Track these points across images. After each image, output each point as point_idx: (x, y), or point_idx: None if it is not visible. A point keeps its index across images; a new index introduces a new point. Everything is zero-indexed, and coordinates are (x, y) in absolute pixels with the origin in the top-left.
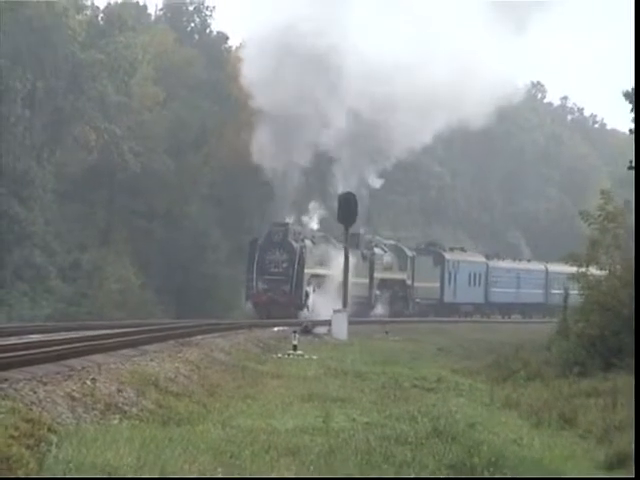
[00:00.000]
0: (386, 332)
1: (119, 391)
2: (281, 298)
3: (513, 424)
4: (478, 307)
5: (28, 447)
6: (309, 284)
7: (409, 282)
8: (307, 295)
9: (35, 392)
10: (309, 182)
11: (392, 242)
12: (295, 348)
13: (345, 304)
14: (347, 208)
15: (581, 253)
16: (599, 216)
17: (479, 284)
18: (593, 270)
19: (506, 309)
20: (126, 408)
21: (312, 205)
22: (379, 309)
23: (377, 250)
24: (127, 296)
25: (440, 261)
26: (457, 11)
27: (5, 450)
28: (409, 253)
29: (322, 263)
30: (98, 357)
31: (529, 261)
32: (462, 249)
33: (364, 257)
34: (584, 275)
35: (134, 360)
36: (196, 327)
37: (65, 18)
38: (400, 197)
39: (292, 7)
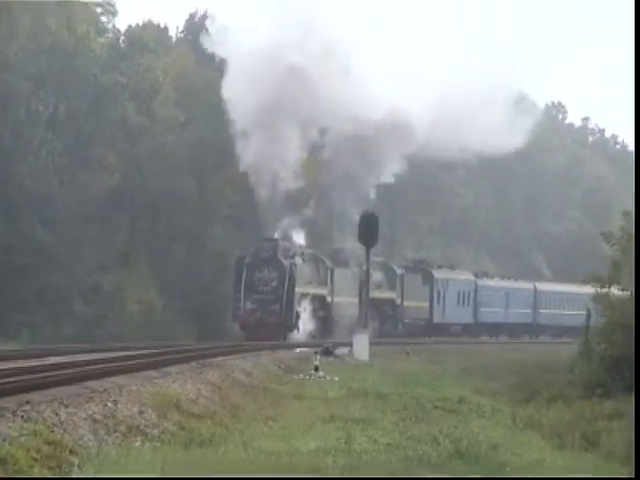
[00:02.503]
0: (407, 353)
1: (141, 413)
2: (271, 318)
3: (536, 445)
4: (467, 327)
5: (50, 469)
6: (300, 304)
7: (398, 301)
8: (298, 315)
9: (57, 414)
10: (296, 196)
11: (381, 259)
12: (316, 369)
13: (366, 324)
14: (368, 229)
15: (603, 274)
16: (621, 237)
17: (468, 303)
18: (615, 291)
19: (495, 329)
20: (148, 430)
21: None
22: (369, 330)
23: None
24: (148, 317)
25: (429, 279)
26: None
27: (27, 472)
28: (398, 271)
29: (312, 281)
30: (119, 379)
31: (517, 280)
32: (451, 267)
33: (353, 275)
34: (606, 296)
35: (155, 382)
36: (217, 348)
37: (87, 41)
38: (421, 218)
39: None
